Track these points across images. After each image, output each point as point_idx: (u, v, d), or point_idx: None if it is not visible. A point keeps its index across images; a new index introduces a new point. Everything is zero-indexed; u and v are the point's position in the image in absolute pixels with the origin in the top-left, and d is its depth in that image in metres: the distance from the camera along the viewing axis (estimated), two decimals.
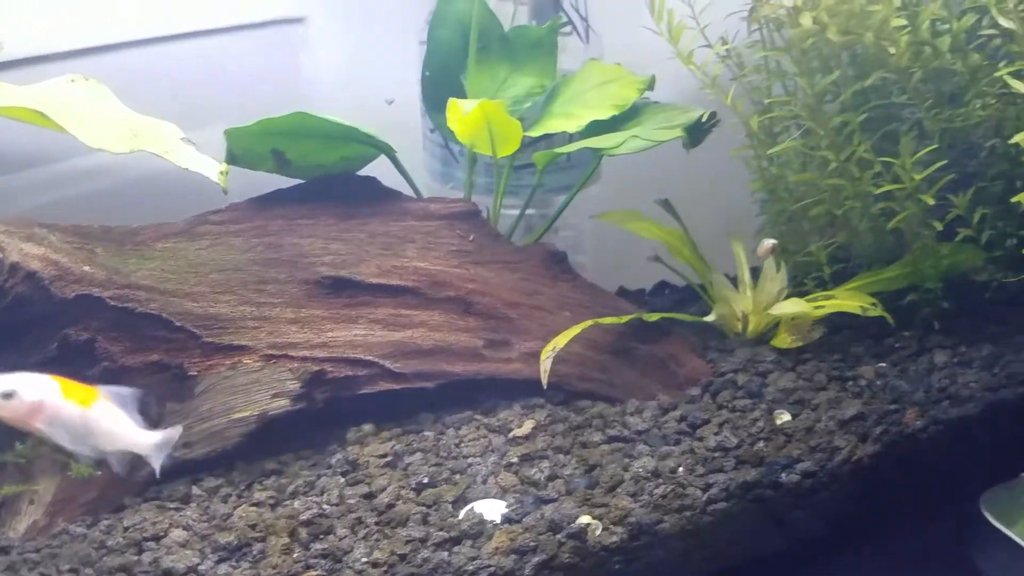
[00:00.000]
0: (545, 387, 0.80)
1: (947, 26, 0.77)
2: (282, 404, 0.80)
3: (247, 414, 0.80)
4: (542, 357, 0.79)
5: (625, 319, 0.86)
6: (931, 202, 0.80)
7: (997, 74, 0.70)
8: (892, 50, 0.71)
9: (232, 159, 0.86)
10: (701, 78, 0.89)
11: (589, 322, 0.83)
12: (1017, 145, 0.77)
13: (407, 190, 0.93)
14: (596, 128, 0.91)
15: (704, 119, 0.91)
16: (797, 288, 0.97)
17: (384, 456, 0.80)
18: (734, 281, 0.97)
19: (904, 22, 0.75)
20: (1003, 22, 0.66)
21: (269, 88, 1.06)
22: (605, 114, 0.91)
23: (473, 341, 0.86)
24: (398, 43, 1.00)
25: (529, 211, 1.00)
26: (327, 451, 0.82)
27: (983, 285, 0.93)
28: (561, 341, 0.80)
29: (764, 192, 0.95)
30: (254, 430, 0.79)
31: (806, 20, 0.70)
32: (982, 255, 0.91)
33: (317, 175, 0.91)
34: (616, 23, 1.02)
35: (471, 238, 0.90)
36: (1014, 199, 0.78)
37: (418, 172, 0.99)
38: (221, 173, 0.75)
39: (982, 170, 0.89)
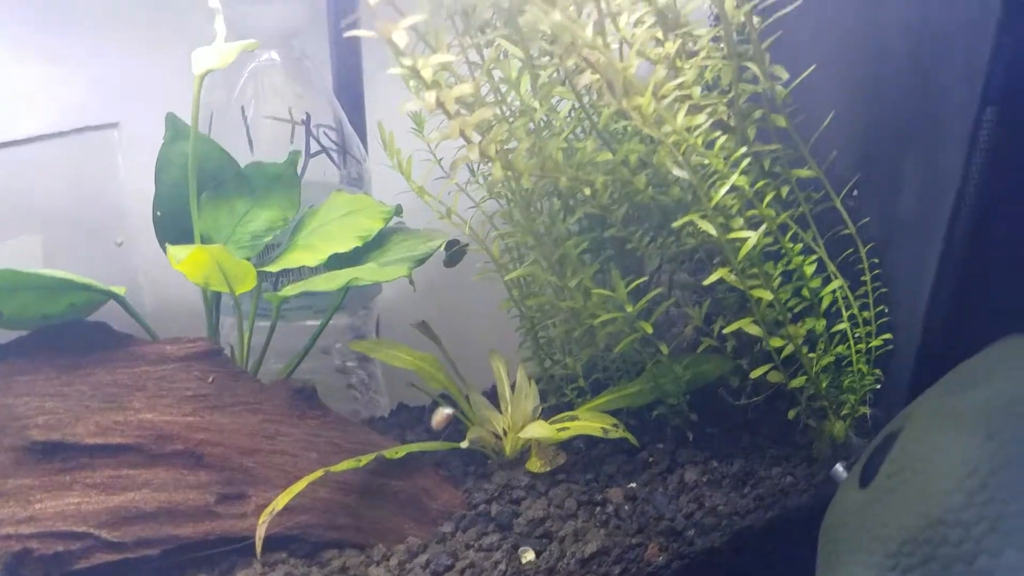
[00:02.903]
0: (259, 555, 0.70)
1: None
2: None
3: None
4: (260, 521, 0.69)
5: (364, 461, 0.77)
6: (649, 330, 0.74)
7: (678, 223, 0.64)
8: (587, 191, 0.65)
9: None
10: (436, 208, 0.82)
11: (319, 472, 0.73)
12: (743, 262, 0.72)
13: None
14: (338, 260, 0.83)
15: (444, 247, 0.84)
16: (560, 399, 0.91)
17: None
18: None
19: (609, 155, 0.69)
20: (677, 172, 0.61)
21: (86, 193, 0.97)
22: (348, 246, 0.83)
23: (204, 498, 0.75)
24: None
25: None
26: None
27: (737, 391, 0.88)
28: (281, 502, 0.70)
29: (515, 310, 0.88)
30: None
31: (497, 170, 0.63)
32: (728, 363, 0.86)
33: (44, 325, 0.80)
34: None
35: (211, 380, 0.80)
36: (728, 328, 0.72)
37: None
38: None
39: (715, 283, 0.84)
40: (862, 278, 0.76)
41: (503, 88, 0.74)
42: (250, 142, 0.95)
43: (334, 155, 0.95)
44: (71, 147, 0.98)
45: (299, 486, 0.72)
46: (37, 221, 0.97)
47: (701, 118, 0.61)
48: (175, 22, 0.99)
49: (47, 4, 0.94)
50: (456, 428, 0.92)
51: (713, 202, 0.62)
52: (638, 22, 0.62)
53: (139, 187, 1.01)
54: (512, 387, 0.89)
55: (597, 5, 0.55)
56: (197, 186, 0.82)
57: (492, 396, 0.92)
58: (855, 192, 0.77)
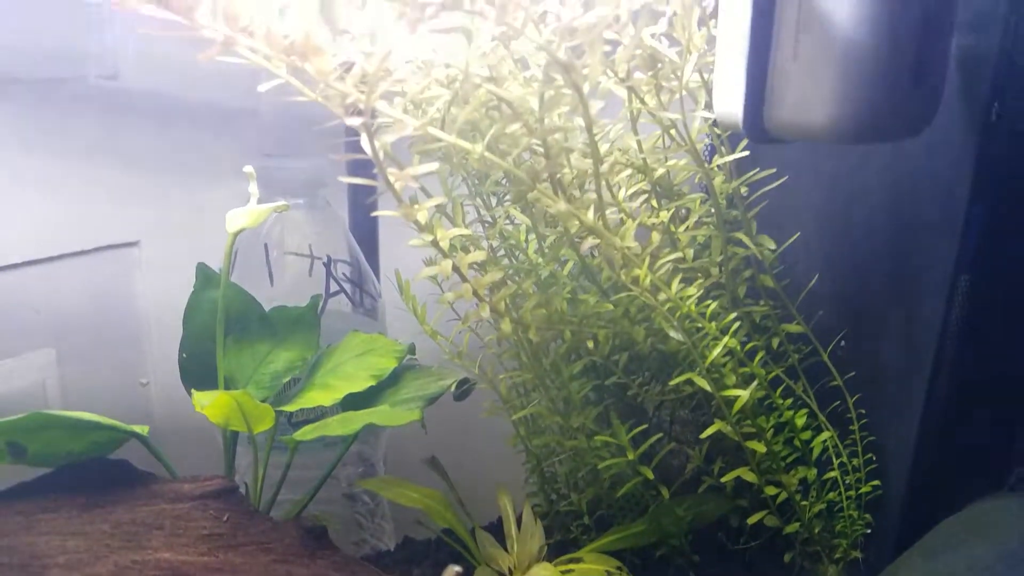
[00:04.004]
0: None
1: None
2: None
3: None
4: None
5: None
6: (650, 476, 0.77)
7: (674, 380, 0.69)
8: (590, 344, 0.70)
9: None
10: (447, 350, 0.86)
11: None
12: (737, 415, 0.76)
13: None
14: (353, 399, 0.87)
15: (453, 387, 0.89)
16: (566, 535, 0.93)
17: None
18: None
19: (610, 306, 0.74)
20: (673, 334, 0.66)
21: (104, 308, 1.05)
22: (362, 385, 0.87)
23: None
24: None
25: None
26: None
27: (736, 532, 0.90)
28: None
29: (521, 447, 0.91)
30: None
31: (506, 325, 0.68)
32: (727, 504, 0.88)
33: (67, 462, 0.83)
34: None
35: (226, 518, 0.83)
36: (726, 477, 0.76)
37: None
38: None
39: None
40: (850, 427, 0.79)
41: (511, 244, 0.80)
42: (271, 276, 1.01)
43: (350, 291, 1.00)
44: (92, 263, 1.05)
45: None
46: (53, 337, 1.03)
47: (693, 289, 0.66)
48: (200, 158, 1.07)
49: (80, 142, 1.02)
50: (461, 565, 0.94)
51: (707, 362, 0.67)
52: (634, 195, 0.68)
53: (155, 301, 1.08)
54: (518, 523, 0.92)
55: (598, 191, 0.62)
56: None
57: (497, 528, 0.94)
58: (843, 343, 0.81)
